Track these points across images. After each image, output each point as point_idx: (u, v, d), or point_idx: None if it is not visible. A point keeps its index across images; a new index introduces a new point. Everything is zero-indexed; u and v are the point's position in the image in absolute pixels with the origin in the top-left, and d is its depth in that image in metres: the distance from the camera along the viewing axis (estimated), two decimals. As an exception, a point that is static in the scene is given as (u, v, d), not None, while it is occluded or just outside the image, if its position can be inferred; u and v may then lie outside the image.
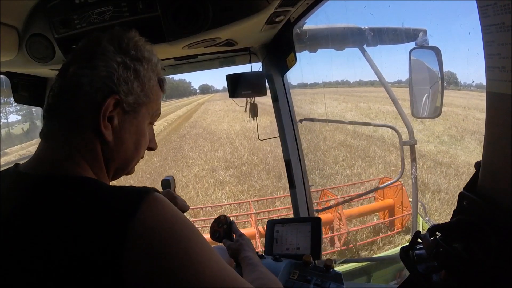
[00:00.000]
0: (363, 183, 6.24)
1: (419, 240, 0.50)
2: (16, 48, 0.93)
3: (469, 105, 18.05)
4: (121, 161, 0.55)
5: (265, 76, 1.38)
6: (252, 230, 4.12)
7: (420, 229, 2.99)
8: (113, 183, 0.53)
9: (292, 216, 1.95)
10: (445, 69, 1.48)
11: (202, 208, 5.49)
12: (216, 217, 1.03)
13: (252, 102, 1.59)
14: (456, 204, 0.48)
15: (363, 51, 1.83)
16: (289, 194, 1.58)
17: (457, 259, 0.43)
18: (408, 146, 1.95)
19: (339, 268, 2.04)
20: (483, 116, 0.44)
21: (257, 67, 1.45)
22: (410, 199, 3.87)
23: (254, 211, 4.53)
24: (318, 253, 0.99)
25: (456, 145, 10.21)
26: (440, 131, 11.94)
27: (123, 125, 0.53)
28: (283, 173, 1.61)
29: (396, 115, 1.97)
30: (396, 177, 2.55)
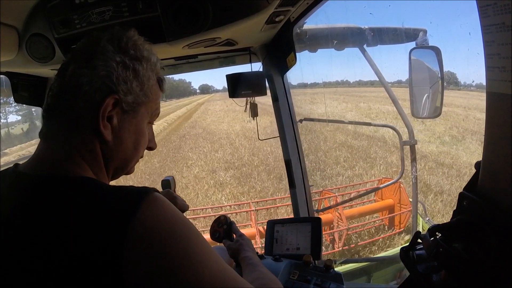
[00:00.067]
0: (361, 185, 6.22)
1: (419, 240, 0.50)
2: (16, 48, 0.93)
3: (469, 105, 18.05)
4: (120, 161, 0.55)
5: (265, 76, 1.38)
6: (252, 230, 4.12)
7: (420, 229, 2.99)
8: (113, 183, 0.53)
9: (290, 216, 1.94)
10: (445, 69, 1.48)
11: (202, 209, 5.46)
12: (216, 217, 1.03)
13: (252, 102, 1.59)
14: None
15: (363, 51, 1.83)
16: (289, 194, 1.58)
17: (457, 259, 0.43)
18: (408, 146, 1.95)
19: (339, 268, 2.03)
20: (483, 116, 0.44)
21: (257, 67, 1.45)
22: (410, 199, 3.87)
23: (254, 208, 4.54)
24: (318, 253, 1.00)
25: (457, 146, 10.17)
26: (441, 132, 11.92)
27: (122, 125, 0.53)
28: (283, 174, 1.61)
29: (397, 115, 1.97)
30: (396, 177, 2.55)
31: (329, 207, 4.42)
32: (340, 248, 4.17)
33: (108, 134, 0.50)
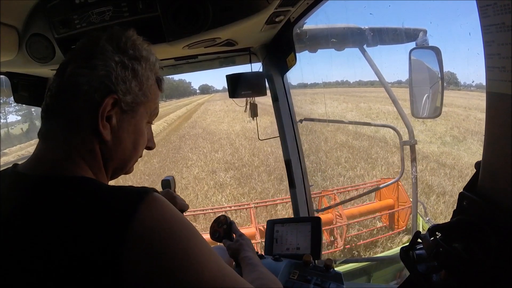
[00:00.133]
0: (360, 187, 6.21)
1: (419, 240, 0.50)
2: (16, 48, 0.93)
3: (470, 105, 18.04)
4: (119, 161, 0.55)
5: (265, 76, 1.38)
6: (252, 230, 4.12)
7: (420, 229, 2.99)
8: (112, 183, 0.53)
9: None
10: (445, 69, 1.48)
11: (203, 211, 5.44)
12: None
13: (252, 102, 1.59)
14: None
15: (363, 51, 1.83)
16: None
17: (457, 259, 0.43)
18: (408, 146, 1.95)
19: (339, 268, 2.03)
20: (484, 116, 0.44)
21: (257, 67, 1.45)
22: (410, 199, 3.87)
23: (253, 206, 4.53)
24: (318, 253, 1.00)
25: (458, 146, 10.14)
26: (442, 132, 11.90)
27: (121, 125, 0.53)
28: (284, 175, 1.60)
29: (397, 115, 1.96)
30: (396, 177, 2.55)
31: (329, 207, 4.42)
32: (342, 247, 4.16)
33: (107, 134, 0.50)
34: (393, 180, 3.87)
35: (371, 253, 4.33)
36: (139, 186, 0.46)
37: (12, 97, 1.27)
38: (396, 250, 3.59)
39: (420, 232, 0.51)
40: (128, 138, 0.54)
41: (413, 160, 2.00)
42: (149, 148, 0.63)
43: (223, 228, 0.96)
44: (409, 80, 1.53)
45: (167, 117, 25.73)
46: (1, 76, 1.22)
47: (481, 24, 0.40)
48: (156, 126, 18.74)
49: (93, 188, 0.44)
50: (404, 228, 4.42)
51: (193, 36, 0.87)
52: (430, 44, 1.61)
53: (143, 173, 9.12)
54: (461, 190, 0.48)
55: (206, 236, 0.78)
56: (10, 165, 0.52)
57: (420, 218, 3.20)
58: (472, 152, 9.35)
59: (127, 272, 0.37)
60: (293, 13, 1.07)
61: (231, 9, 0.84)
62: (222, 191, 7.48)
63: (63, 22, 0.88)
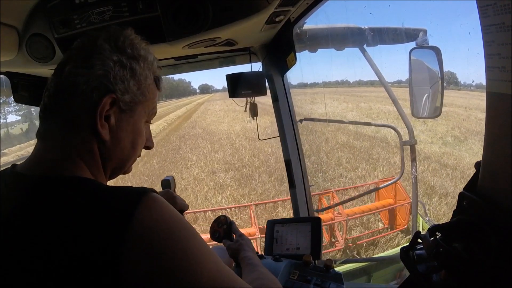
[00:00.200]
0: (358, 186, 6.19)
1: (419, 240, 0.50)
2: (16, 48, 0.93)
3: (470, 105, 18.04)
4: (118, 160, 0.55)
5: (265, 76, 1.38)
6: (252, 230, 4.12)
7: (420, 229, 2.99)
8: (110, 183, 0.53)
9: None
10: (445, 69, 1.48)
11: (204, 211, 5.42)
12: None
13: (252, 102, 1.59)
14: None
15: (363, 51, 1.83)
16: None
17: (457, 259, 0.43)
18: (409, 146, 1.95)
19: (339, 268, 2.03)
20: (485, 116, 0.44)
21: (257, 67, 1.45)
22: (410, 197, 3.86)
23: (254, 207, 4.53)
24: (318, 253, 1.00)
25: (460, 146, 10.08)
26: (443, 132, 11.86)
27: (119, 124, 0.53)
28: (285, 175, 1.60)
29: (398, 115, 1.96)
30: (396, 177, 2.55)
31: (329, 207, 4.42)
32: (343, 246, 4.15)
33: (106, 133, 0.50)
34: (393, 180, 3.87)
35: (371, 253, 4.32)
36: (138, 186, 0.46)
37: (12, 97, 1.27)
38: (396, 250, 3.58)
39: (420, 232, 0.51)
40: (126, 137, 0.54)
41: (413, 160, 2.00)
42: (148, 147, 0.63)
43: (223, 228, 0.95)
44: (409, 80, 1.53)
45: (167, 117, 25.70)
46: (1, 76, 1.22)
47: (481, 24, 0.40)
48: (156, 126, 18.73)
49: (92, 188, 0.44)
50: (405, 227, 4.42)
51: (193, 36, 0.87)
52: (430, 44, 1.61)
53: (143, 174, 9.08)
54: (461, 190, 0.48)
55: (205, 236, 0.78)
56: (9, 166, 0.52)
57: (420, 218, 3.20)
58: (473, 152, 9.29)
59: (127, 272, 0.37)
60: (293, 13, 1.07)
61: (231, 9, 0.84)
62: (222, 192, 7.41)
63: (63, 22, 0.88)
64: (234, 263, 0.86)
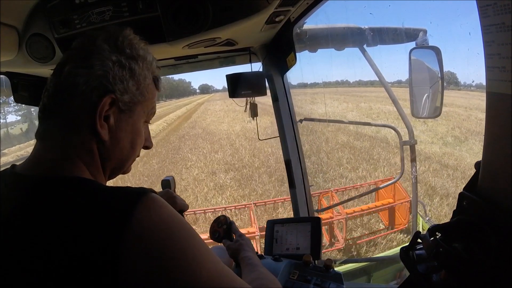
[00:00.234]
0: (357, 185, 6.17)
1: (419, 240, 0.50)
2: (16, 48, 0.93)
3: (470, 105, 18.03)
4: (117, 161, 0.55)
5: (265, 76, 1.38)
6: (252, 230, 4.12)
7: (420, 229, 2.99)
8: (110, 184, 0.53)
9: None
10: (445, 69, 1.48)
11: (204, 211, 5.40)
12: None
13: (252, 102, 1.59)
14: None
15: (363, 51, 1.83)
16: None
17: (457, 259, 0.43)
18: (408, 146, 1.95)
19: (339, 268, 2.03)
20: (485, 116, 0.44)
21: (257, 67, 1.46)
22: (409, 195, 3.86)
23: (252, 203, 4.52)
24: (318, 253, 1.00)
25: (460, 146, 10.04)
26: (444, 132, 11.82)
27: (119, 124, 0.53)
28: (285, 176, 1.60)
29: (398, 115, 1.96)
30: (396, 177, 2.55)
31: (329, 207, 4.42)
32: (343, 245, 4.15)
33: (105, 133, 0.50)
34: (393, 180, 3.86)
35: (371, 253, 4.32)
36: (138, 186, 0.46)
37: (12, 97, 1.27)
38: (396, 250, 3.58)
39: (420, 232, 0.51)
40: (125, 137, 0.54)
41: (413, 160, 2.00)
42: (147, 147, 0.63)
43: (223, 228, 0.95)
44: (409, 80, 1.53)
45: (167, 117, 25.68)
46: (1, 76, 1.22)
47: (481, 24, 0.40)
48: (156, 126, 18.72)
49: (92, 188, 0.44)
50: (406, 226, 4.41)
51: (193, 36, 0.87)
52: (430, 44, 1.61)
53: (142, 174, 9.05)
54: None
55: (205, 236, 0.78)
56: (9, 166, 0.52)
57: (420, 218, 3.20)
58: (474, 152, 9.25)
59: (126, 272, 0.37)
60: (293, 13, 1.07)
61: (231, 9, 0.84)
62: (222, 192, 7.38)
63: (63, 22, 0.88)
64: (234, 263, 0.86)
